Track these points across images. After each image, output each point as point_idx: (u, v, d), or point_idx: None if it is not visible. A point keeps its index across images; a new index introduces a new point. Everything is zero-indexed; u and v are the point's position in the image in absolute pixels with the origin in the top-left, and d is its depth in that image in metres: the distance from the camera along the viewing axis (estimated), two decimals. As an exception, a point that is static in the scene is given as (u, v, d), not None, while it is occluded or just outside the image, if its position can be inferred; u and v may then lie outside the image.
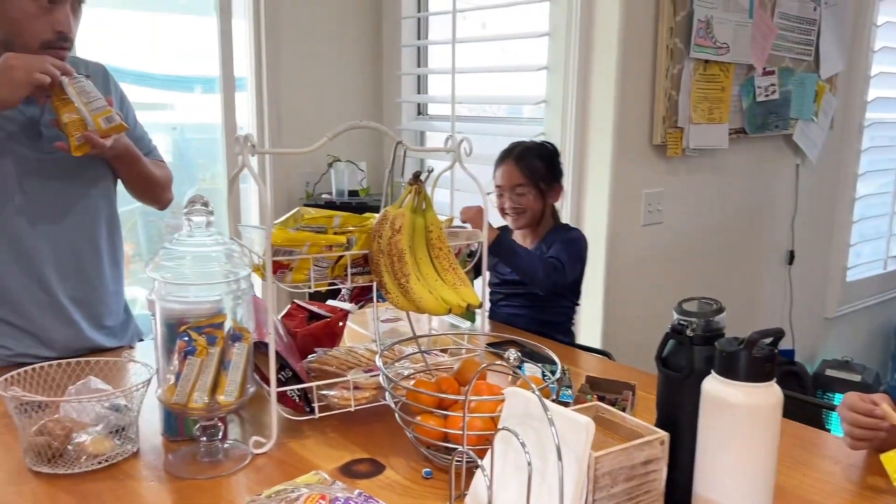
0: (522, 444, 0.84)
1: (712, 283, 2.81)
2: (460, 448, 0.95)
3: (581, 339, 2.29)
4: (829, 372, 3.20)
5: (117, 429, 1.13)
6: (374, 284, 1.29)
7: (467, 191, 1.54)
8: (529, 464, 0.84)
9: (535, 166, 1.99)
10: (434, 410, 1.11)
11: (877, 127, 3.49)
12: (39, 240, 1.48)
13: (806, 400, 1.83)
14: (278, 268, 1.19)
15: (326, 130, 1.21)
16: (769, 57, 2.76)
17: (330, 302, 1.62)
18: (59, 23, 1.38)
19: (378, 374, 1.23)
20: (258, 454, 1.15)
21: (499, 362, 1.26)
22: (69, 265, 1.52)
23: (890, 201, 3.80)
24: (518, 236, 2.04)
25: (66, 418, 1.11)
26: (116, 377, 1.27)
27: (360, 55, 3.14)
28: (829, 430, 1.39)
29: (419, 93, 3.20)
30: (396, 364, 1.32)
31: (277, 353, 1.17)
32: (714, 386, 0.93)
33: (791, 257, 3.21)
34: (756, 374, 0.91)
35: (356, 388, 1.23)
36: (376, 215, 1.27)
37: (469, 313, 1.62)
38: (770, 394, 0.92)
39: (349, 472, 1.11)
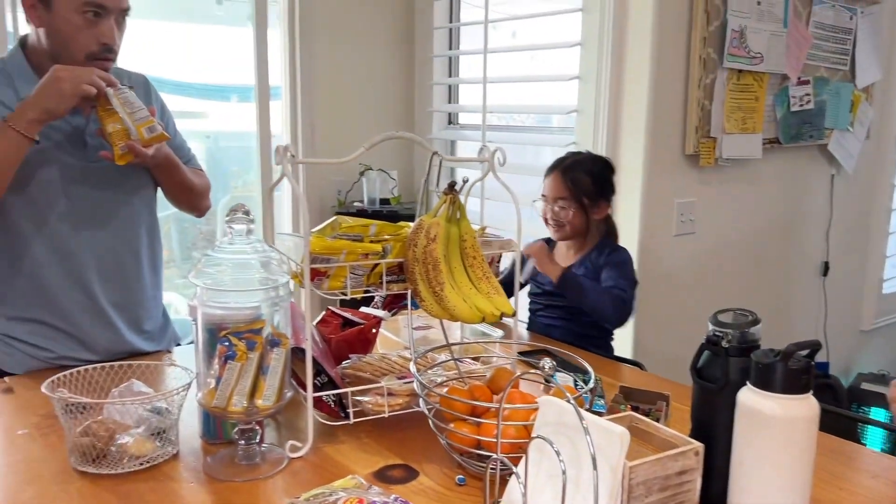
0: (557, 453, 0.85)
1: (745, 294, 2.78)
2: (495, 456, 0.96)
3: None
4: (865, 385, 3.15)
5: (158, 431, 1.15)
6: (409, 292, 1.31)
7: (499, 199, 1.54)
8: (564, 472, 0.84)
9: (580, 180, 1.94)
10: (467, 418, 1.12)
11: (914, 137, 3.43)
12: (82, 245, 1.52)
13: (841, 413, 1.81)
14: (316, 275, 1.22)
15: (359, 139, 1.23)
16: (804, 66, 2.73)
17: (363, 309, 1.64)
18: (105, 35, 1.42)
19: (411, 381, 1.25)
20: (294, 458, 1.17)
21: (532, 371, 1.26)
22: (111, 270, 1.56)
23: (927, 212, 3.73)
24: (561, 247, 2.03)
25: (109, 420, 1.13)
26: (157, 380, 1.31)
27: (393, 65, 3.17)
28: (864, 445, 1.37)
29: (450, 102, 3.22)
30: (429, 371, 1.33)
31: (314, 359, 1.19)
32: (750, 397, 0.93)
33: (826, 268, 3.17)
34: (792, 386, 0.90)
35: (390, 394, 1.25)
36: (411, 224, 1.29)
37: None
38: (807, 406, 0.92)
39: (383, 477, 1.12)
